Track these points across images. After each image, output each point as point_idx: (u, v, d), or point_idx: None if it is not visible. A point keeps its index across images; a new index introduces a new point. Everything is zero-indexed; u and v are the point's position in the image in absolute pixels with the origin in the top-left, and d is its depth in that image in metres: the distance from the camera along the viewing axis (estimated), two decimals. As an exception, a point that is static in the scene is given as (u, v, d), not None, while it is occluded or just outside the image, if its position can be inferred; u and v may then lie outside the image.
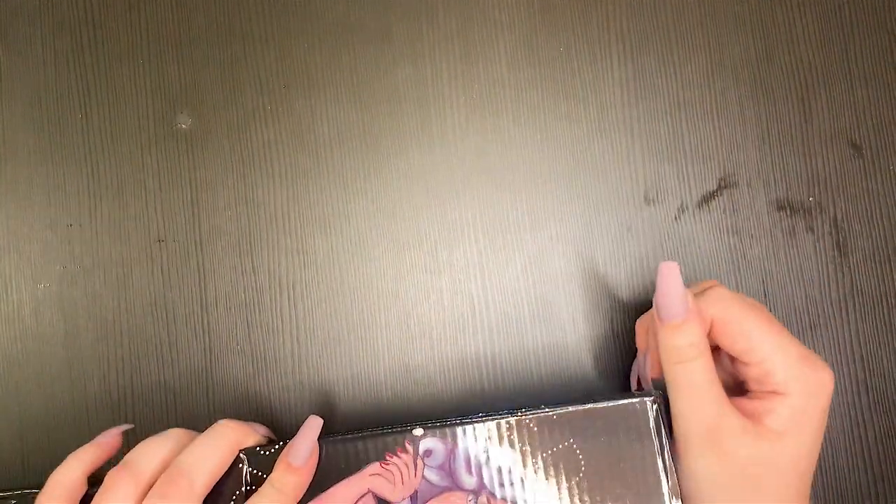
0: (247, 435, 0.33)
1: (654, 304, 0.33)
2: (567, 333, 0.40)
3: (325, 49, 0.41)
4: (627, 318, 0.40)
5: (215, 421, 0.33)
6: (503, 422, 0.32)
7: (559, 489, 0.32)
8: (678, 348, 0.32)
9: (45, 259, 0.41)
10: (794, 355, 0.32)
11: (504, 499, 0.32)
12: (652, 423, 0.32)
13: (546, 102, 0.41)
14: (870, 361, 0.40)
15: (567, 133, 0.41)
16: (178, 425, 0.39)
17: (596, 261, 0.40)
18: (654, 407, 0.32)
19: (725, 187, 0.41)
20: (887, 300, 0.40)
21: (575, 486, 0.32)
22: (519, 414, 0.32)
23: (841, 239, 0.40)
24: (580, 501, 0.32)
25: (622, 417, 0.32)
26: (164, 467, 0.32)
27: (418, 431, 0.33)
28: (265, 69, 0.41)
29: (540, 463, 0.32)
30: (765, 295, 0.40)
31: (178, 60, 0.41)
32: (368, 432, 0.33)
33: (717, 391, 0.31)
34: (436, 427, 0.33)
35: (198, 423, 0.39)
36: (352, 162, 0.41)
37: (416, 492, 0.32)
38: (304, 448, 0.32)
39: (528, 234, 0.40)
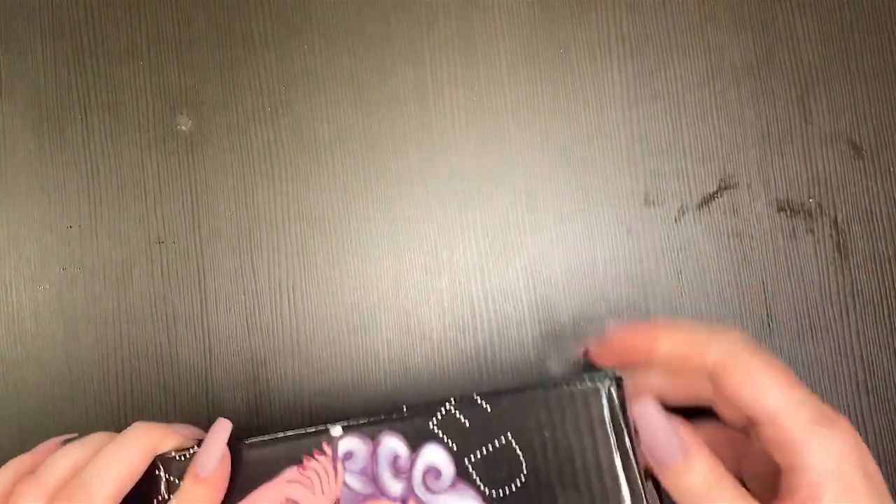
0: (163, 438, 0.31)
1: (644, 450, 0.28)
2: (567, 335, 0.40)
3: (324, 50, 0.41)
4: (628, 320, 0.40)
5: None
6: (428, 417, 0.29)
7: (497, 495, 0.28)
8: (693, 489, 0.27)
9: (45, 261, 0.41)
10: (812, 411, 0.27)
11: None
12: (606, 412, 0.28)
13: (546, 103, 0.41)
14: (870, 363, 0.40)
15: (567, 134, 0.41)
16: (178, 427, 0.39)
17: (596, 262, 0.40)
18: (608, 392, 0.28)
19: (725, 189, 0.41)
20: (888, 301, 0.40)
21: (516, 491, 0.28)
22: (447, 407, 0.29)
23: (841, 240, 0.40)
24: None
25: (569, 406, 0.28)
26: (74, 475, 0.30)
27: (336, 431, 0.29)
28: (265, 71, 0.41)
29: (473, 464, 0.28)
30: (765, 297, 0.40)
31: (177, 62, 0.41)
32: (284, 434, 0.30)
33: None
34: (354, 426, 0.29)
35: (197, 425, 0.39)
36: (352, 163, 0.41)
37: (337, 500, 0.29)
38: (211, 457, 0.29)
39: (528, 235, 0.40)
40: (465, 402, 0.29)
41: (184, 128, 0.41)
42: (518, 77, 0.41)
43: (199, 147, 0.41)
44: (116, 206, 0.41)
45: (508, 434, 0.28)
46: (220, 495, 0.30)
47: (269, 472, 0.30)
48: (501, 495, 0.28)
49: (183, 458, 0.30)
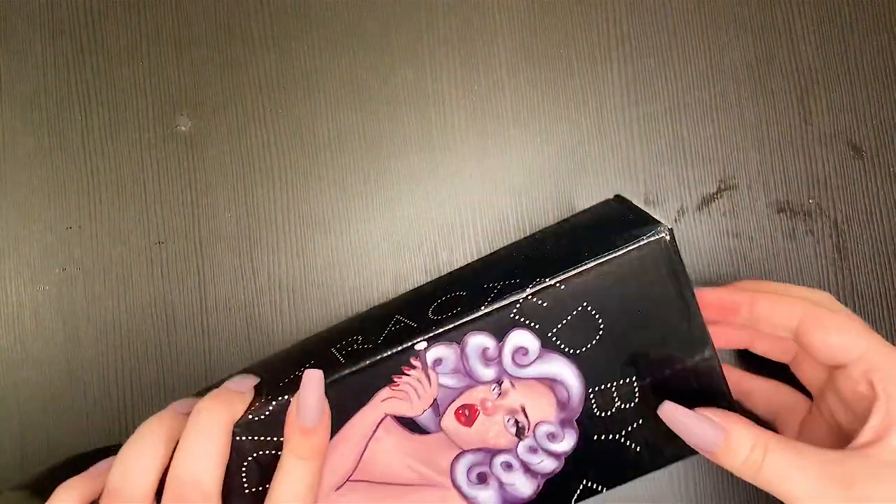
0: (234, 407, 0.30)
1: (690, 444, 0.30)
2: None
3: (324, 51, 0.41)
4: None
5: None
6: (508, 310, 0.30)
7: (581, 351, 0.31)
8: (745, 461, 0.29)
9: (45, 261, 0.41)
10: (893, 352, 0.30)
11: (527, 377, 0.31)
12: (666, 260, 0.30)
13: (546, 105, 0.41)
14: (869, 364, 0.40)
15: (567, 135, 0.41)
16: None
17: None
18: (664, 245, 0.30)
19: (725, 189, 0.41)
20: (887, 302, 0.40)
21: (596, 343, 0.31)
22: (524, 295, 0.30)
23: (841, 241, 0.40)
24: (606, 358, 0.31)
25: (635, 264, 0.30)
26: (158, 478, 0.29)
27: (421, 346, 0.30)
28: (265, 71, 0.41)
29: (556, 334, 0.30)
30: (764, 297, 0.40)
31: (177, 62, 0.41)
32: (369, 361, 0.30)
33: (811, 452, 0.29)
34: (437, 336, 0.30)
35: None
36: (351, 164, 0.41)
37: (435, 401, 0.31)
38: (312, 409, 0.29)
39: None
40: (541, 288, 0.30)
41: (184, 128, 0.41)
42: (518, 77, 0.41)
43: (198, 147, 0.41)
44: (116, 207, 0.41)
45: (584, 302, 0.30)
46: (327, 439, 0.30)
47: (362, 397, 0.31)
48: (584, 350, 0.31)
49: (260, 418, 0.30)
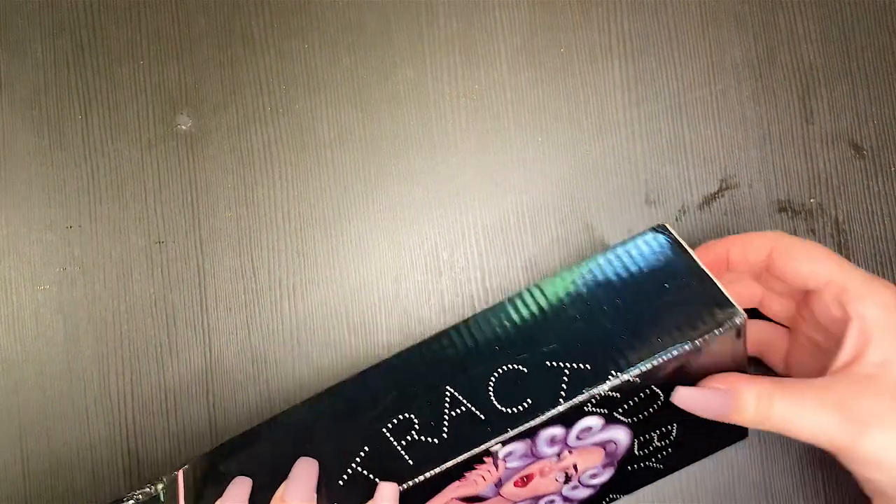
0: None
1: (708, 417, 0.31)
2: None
3: (325, 50, 0.41)
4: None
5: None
6: (583, 404, 0.30)
7: (639, 419, 0.32)
8: (756, 416, 0.30)
9: (45, 261, 0.40)
10: (864, 273, 0.31)
11: (585, 445, 0.32)
12: (733, 344, 0.30)
13: (546, 104, 0.41)
14: (871, 363, 0.40)
15: (568, 134, 0.41)
16: (177, 427, 0.39)
17: (597, 262, 0.40)
18: (737, 331, 0.29)
19: (727, 188, 0.41)
20: (889, 301, 0.40)
21: (655, 412, 0.31)
22: (599, 391, 0.30)
23: (842, 240, 0.40)
24: (659, 418, 0.32)
25: (703, 350, 0.30)
26: None
27: (495, 448, 0.30)
28: (265, 70, 0.41)
29: (622, 413, 0.31)
30: (766, 297, 0.40)
31: (178, 61, 0.41)
32: (442, 469, 0.30)
33: (805, 387, 0.30)
34: (513, 438, 0.30)
35: (198, 425, 0.39)
36: (352, 163, 0.41)
37: (499, 479, 0.32)
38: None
39: (529, 235, 0.40)
40: (617, 385, 0.30)
41: (184, 127, 0.41)
42: (518, 77, 0.41)
43: (199, 146, 0.41)
44: (116, 206, 0.41)
45: (652, 385, 0.31)
46: None
47: (432, 492, 0.31)
48: (642, 418, 0.32)
49: None
